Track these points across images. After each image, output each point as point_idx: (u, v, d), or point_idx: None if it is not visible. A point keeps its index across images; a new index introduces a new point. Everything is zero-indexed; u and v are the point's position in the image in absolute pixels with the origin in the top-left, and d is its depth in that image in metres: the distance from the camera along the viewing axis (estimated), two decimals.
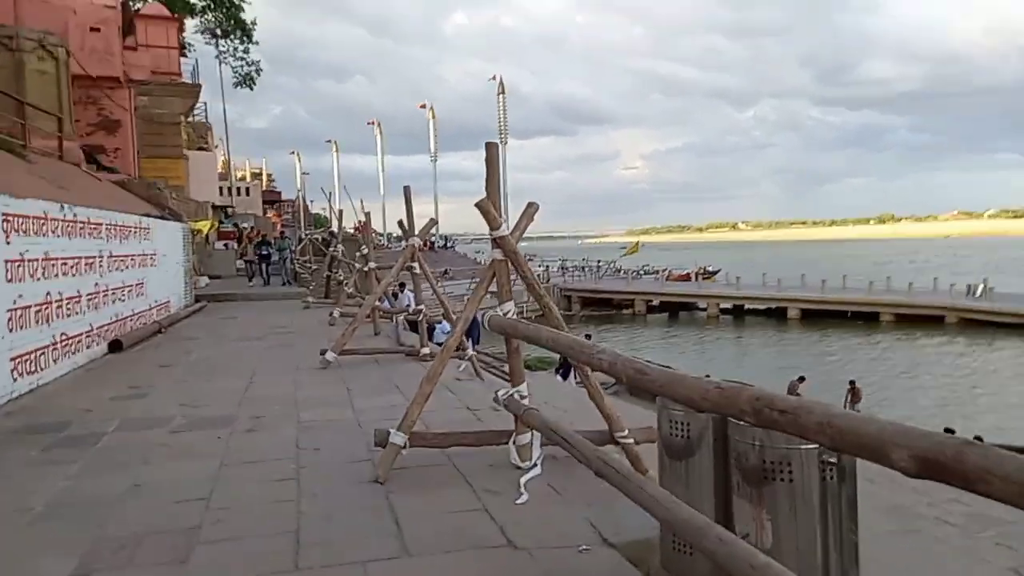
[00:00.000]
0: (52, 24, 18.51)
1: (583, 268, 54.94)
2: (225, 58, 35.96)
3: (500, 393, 4.44)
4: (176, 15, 28.79)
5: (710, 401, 1.83)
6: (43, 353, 7.68)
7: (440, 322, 14.07)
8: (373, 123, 78.94)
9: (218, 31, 34.42)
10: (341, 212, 20.57)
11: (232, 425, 5.71)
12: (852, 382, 17.96)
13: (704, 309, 41.73)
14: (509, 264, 4.40)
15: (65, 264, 8.47)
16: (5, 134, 13.21)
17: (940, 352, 29.40)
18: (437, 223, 10.79)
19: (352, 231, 24.40)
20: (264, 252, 22.62)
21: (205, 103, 37.76)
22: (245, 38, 34.90)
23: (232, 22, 33.91)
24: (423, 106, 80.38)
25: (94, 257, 9.56)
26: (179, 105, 27.92)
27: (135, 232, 11.82)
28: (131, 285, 11.29)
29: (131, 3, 26.60)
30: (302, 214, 61.82)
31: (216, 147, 45.43)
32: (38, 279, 7.66)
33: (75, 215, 8.91)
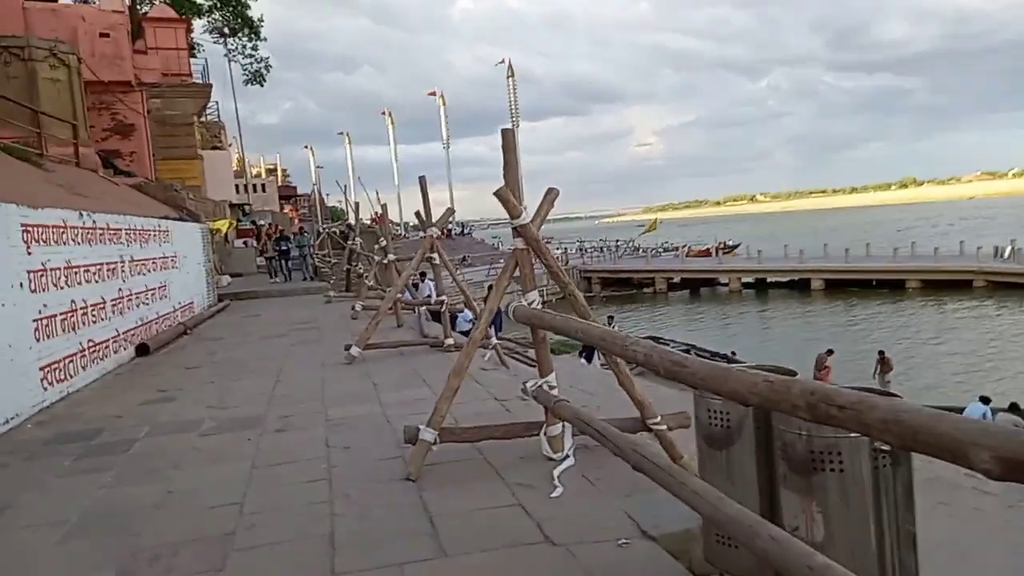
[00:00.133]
0: (62, 32, 18.60)
1: (601, 249, 54.63)
2: (234, 56, 35.98)
3: (529, 384, 4.36)
4: (183, 16, 28.80)
5: (758, 395, 1.74)
6: (72, 361, 7.73)
7: (462, 311, 14.03)
8: (385, 113, 78.93)
9: (226, 30, 34.39)
10: (357, 204, 20.56)
11: (261, 426, 5.70)
12: (881, 352, 17.71)
13: (726, 284, 41.32)
14: (531, 252, 4.32)
15: (88, 271, 8.51)
16: (21, 144, 13.28)
17: (968, 317, 28.92)
18: (454, 212, 10.71)
19: (369, 223, 24.40)
20: (283, 248, 22.67)
21: (217, 102, 37.84)
22: (253, 35, 34.84)
23: (239, 20, 33.84)
24: (433, 94, 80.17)
25: (116, 262, 9.61)
26: (191, 105, 27.96)
27: (155, 235, 11.86)
28: (154, 288, 11.34)
29: (138, 7, 26.66)
30: (318, 208, 61.95)
31: (230, 145, 45.56)
32: (62, 288, 7.70)
33: (94, 222, 8.94)
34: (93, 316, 8.53)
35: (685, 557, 3.09)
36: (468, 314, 13.94)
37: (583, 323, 3.30)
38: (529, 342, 12.78)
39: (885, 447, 2.10)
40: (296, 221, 52.74)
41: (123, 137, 22.38)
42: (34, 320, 6.94)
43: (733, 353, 20.24)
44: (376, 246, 14.98)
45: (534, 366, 8.78)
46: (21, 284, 6.76)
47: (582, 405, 4.79)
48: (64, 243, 7.93)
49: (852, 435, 2.13)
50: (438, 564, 3.10)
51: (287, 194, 69.77)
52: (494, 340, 8.05)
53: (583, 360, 15.45)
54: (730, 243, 55.68)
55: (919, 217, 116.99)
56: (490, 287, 20.10)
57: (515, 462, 4.30)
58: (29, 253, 7.01)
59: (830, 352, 16.74)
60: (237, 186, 41.41)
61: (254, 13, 34.09)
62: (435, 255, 9.05)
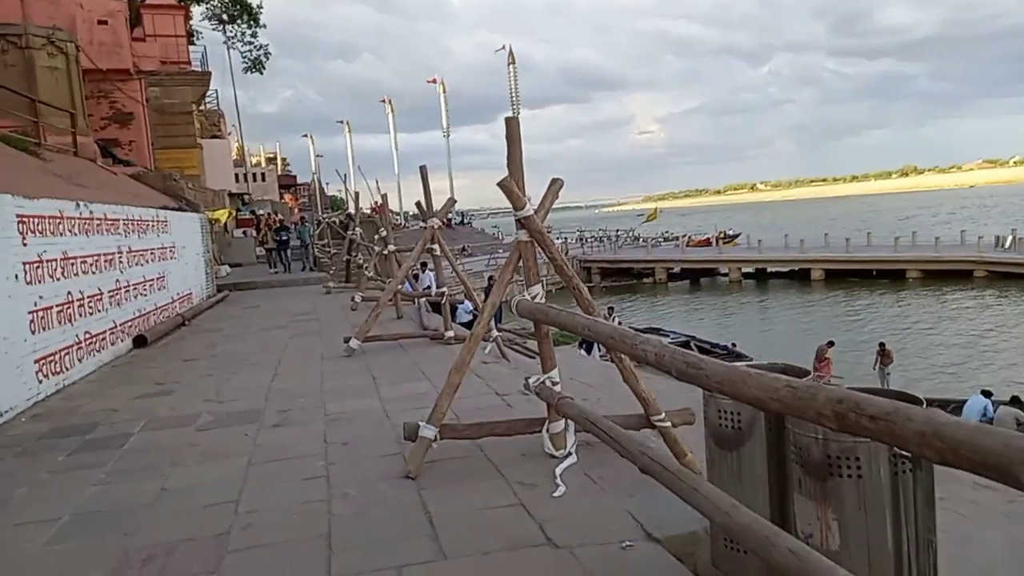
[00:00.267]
0: (59, 19, 18.39)
1: (601, 239, 54.44)
2: (233, 44, 35.69)
3: (531, 380, 4.27)
4: (182, 3, 28.55)
5: (780, 402, 1.64)
6: (68, 353, 7.65)
7: (463, 302, 13.95)
8: (385, 101, 78.59)
9: (224, 16, 34.12)
10: (357, 194, 20.45)
11: (259, 420, 5.62)
12: (882, 344, 17.61)
13: (726, 274, 41.16)
14: (535, 244, 4.22)
15: (84, 262, 8.41)
16: (19, 133, 13.15)
17: (969, 307, 28.82)
18: (456, 201, 10.60)
19: (369, 212, 24.27)
20: (283, 238, 22.56)
21: (216, 90, 37.64)
22: (252, 22, 34.55)
23: (238, 7, 33.56)
24: (433, 81, 79.82)
25: (113, 253, 9.51)
26: (190, 94, 27.74)
27: (153, 225, 11.76)
28: (152, 279, 11.25)
29: None
30: (318, 197, 61.76)
31: (229, 134, 45.36)
32: (58, 279, 7.61)
33: (91, 212, 8.84)
34: (90, 308, 8.44)
35: (691, 560, 3.01)
36: (468, 305, 13.85)
37: (590, 319, 3.20)
38: (529, 332, 12.69)
39: (905, 452, 2.01)
40: (296, 211, 52.60)
41: (122, 126, 22.21)
42: (29, 312, 6.86)
43: (734, 345, 20.16)
44: (376, 236, 14.87)
45: (534, 358, 8.71)
46: (16, 276, 6.68)
47: (582, 398, 4.71)
48: (61, 234, 7.84)
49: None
50: (437, 567, 3.02)
51: (287, 183, 69.59)
52: (495, 333, 7.95)
53: (582, 351, 15.35)
54: (730, 233, 55.48)
55: (920, 206, 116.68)
56: (490, 278, 20.01)
57: (516, 459, 4.22)
58: (25, 244, 6.92)
59: (831, 344, 16.61)
60: (236, 175, 41.27)
61: (252, 0, 33.83)
62: (436, 246, 8.94)
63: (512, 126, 4.19)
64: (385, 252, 13.07)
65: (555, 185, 4.38)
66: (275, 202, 51.79)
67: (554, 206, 4.39)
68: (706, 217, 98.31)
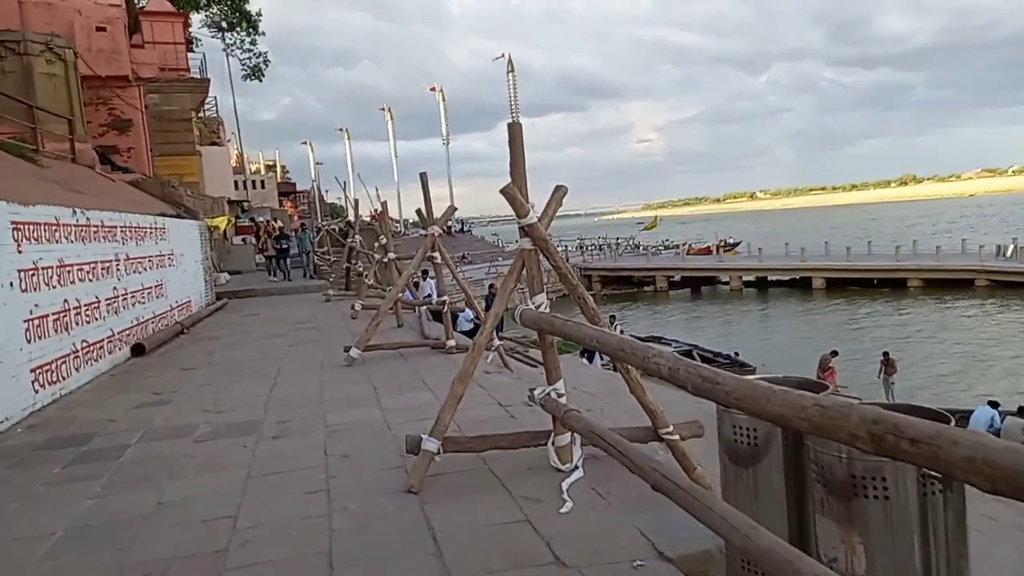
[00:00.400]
0: (58, 26, 18.38)
1: (601, 247, 54.39)
2: (232, 51, 35.78)
3: (536, 392, 4.17)
4: (181, 10, 28.56)
5: (808, 422, 1.55)
6: (64, 362, 7.54)
7: (463, 310, 13.85)
8: (385, 109, 78.63)
9: (223, 24, 34.17)
10: (357, 201, 20.36)
11: (258, 432, 5.52)
12: (886, 353, 17.50)
13: (727, 283, 41.09)
14: (539, 253, 4.13)
15: (81, 270, 8.32)
16: (16, 139, 13.10)
17: (972, 316, 28.73)
18: (456, 209, 10.53)
19: (369, 220, 24.18)
20: (283, 246, 22.44)
21: (215, 97, 37.58)
22: (251, 30, 34.61)
23: (237, 14, 33.62)
24: (433, 89, 79.85)
25: (111, 261, 9.42)
26: (189, 101, 27.72)
27: (151, 233, 11.67)
28: (150, 287, 11.15)
29: (135, 0, 26.43)
30: (318, 204, 61.76)
31: (228, 141, 45.32)
32: (54, 287, 7.51)
33: (88, 219, 8.75)
34: (87, 316, 8.34)
35: None
36: (469, 313, 13.77)
37: (598, 331, 3.11)
38: (531, 341, 12.58)
39: (935, 473, 1.92)
40: (296, 218, 52.55)
41: (120, 133, 22.19)
42: (25, 320, 6.76)
43: (736, 354, 20.03)
44: (376, 244, 14.79)
45: (536, 367, 8.61)
46: (11, 283, 6.58)
47: (586, 408, 4.61)
48: (57, 241, 7.74)
49: None
50: None
51: (286, 191, 69.57)
52: (497, 342, 7.85)
53: (584, 360, 15.24)
54: (731, 241, 55.41)
55: (920, 215, 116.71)
56: (491, 286, 19.90)
57: (522, 473, 4.12)
58: (20, 251, 6.83)
59: (834, 353, 16.51)
60: (236, 182, 41.18)
61: (252, 7, 33.91)
62: (436, 254, 8.85)
63: (514, 131, 4.11)
64: (385, 260, 12.97)
65: (559, 192, 4.30)
66: (275, 209, 51.71)
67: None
68: (706, 225, 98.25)
